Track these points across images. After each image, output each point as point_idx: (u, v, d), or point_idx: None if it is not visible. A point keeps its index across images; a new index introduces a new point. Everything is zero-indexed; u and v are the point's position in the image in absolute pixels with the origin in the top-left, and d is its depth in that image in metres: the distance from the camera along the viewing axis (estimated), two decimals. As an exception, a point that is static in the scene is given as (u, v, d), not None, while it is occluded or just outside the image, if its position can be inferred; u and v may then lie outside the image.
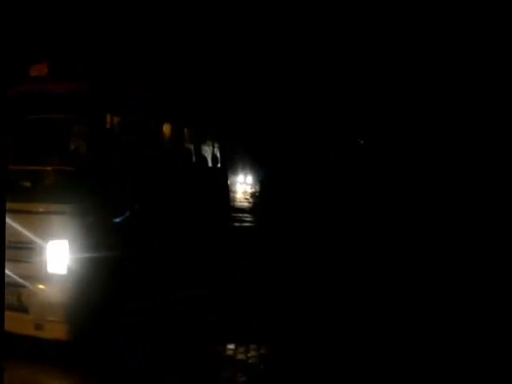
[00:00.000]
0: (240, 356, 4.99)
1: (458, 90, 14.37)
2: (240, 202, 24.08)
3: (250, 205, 22.84)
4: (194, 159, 6.80)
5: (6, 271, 3.34)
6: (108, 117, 5.16)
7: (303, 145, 22.20)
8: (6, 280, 3.29)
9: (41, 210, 4.72)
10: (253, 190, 32.30)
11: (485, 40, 13.88)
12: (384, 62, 15.97)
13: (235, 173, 36.71)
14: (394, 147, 17.14)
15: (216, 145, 7.53)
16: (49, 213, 4.68)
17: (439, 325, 5.86)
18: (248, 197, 27.62)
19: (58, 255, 4.62)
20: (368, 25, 15.65)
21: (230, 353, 5.09)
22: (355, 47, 16.33)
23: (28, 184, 4.83)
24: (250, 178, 38.44)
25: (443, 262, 8.99)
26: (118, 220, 5.20)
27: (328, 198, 17.46)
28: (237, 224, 14.48)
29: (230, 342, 5.27)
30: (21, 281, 4.55)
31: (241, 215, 17.41)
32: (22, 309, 4.58)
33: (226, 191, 8.18)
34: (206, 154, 7.21)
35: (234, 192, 30.13)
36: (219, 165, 7.57)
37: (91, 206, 4.83)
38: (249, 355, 4.99)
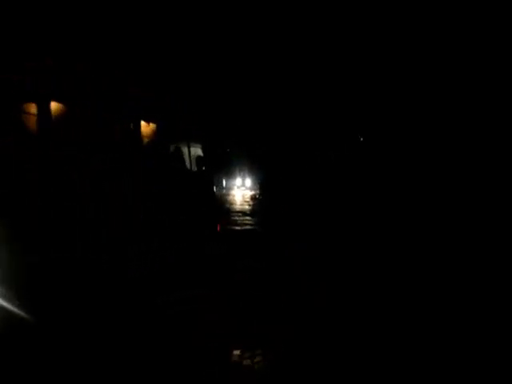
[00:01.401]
0: (246, 362, 4.91)
1: (459, 83, 14.36)
2: (240, 205, 24.07)
3: (250, 207, 22.83)
4: (156, 159, 6.48)
5: None
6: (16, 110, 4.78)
7: (303, 145, 22.18)
8: None
9: None
10: (252, 192, 32.29)
11: (485, 39, 13.90)
12: (382, 56, 15.97)
13: (233, 176, 36.71)
14: (394, 144, 17.10)
15: (198, 145, 7.37)
16: None
17: (440, 324, 5.84)
18: (248, 199, 27.61)
19: None
20: (365, 21, 15.66)
21: (235, 359, 5.00)
22: (352, 42, 16.34)
23: None
24: (248, 181, 38.37)
25: (444, 261, 8.97)
26: (35, 223, 4.77)
27: (328, 198, 17.45)
28: (237, 228, 14.46)
29: (231, 343, 5.24)
30: None
31: (242, 218, 17.40)
32: None
33: (209, 192, 7.98)
34: (183, 156, 7.01)
35: (233, 195, 30.11)
36: (204, 167, 7.40)
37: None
38: (255, 361, 4.94)
